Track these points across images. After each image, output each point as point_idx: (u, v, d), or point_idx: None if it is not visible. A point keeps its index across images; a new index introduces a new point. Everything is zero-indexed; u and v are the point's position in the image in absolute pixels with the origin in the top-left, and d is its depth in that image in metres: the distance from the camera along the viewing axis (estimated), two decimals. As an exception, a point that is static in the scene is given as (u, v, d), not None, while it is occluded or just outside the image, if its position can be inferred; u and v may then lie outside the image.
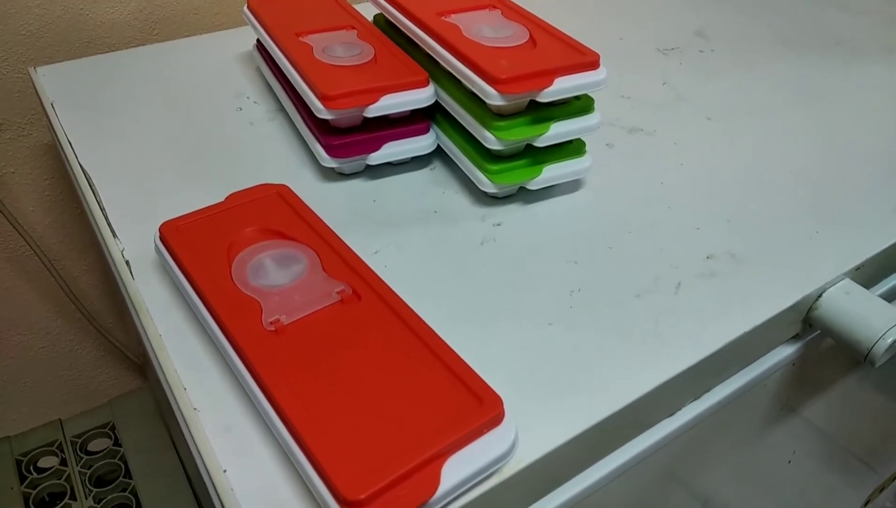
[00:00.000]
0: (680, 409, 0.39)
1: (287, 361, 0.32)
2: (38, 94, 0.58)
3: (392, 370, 0.32)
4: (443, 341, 0.33)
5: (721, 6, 0.76)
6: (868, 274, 0.44)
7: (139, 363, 0.88)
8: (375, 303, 0.35)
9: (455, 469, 0.28)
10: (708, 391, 0.40)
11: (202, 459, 0.32)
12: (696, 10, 0.75)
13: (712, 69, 0.64)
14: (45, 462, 0.76)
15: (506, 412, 0.30)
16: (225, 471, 0.31)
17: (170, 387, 0.35)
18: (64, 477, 0.74)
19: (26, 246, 0.74)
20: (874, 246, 0.44)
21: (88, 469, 0.75)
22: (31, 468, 0.75)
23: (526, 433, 0.32)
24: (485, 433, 0.29)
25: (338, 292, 0.35)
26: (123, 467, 0.75)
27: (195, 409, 0.33)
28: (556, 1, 0.76)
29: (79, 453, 0.77)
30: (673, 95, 0.60)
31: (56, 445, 0.78)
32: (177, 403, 0.34)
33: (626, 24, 0.71)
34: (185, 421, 0.33)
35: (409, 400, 0.30)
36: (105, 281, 0.81)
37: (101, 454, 0.77)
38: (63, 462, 0.76)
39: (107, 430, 0.80)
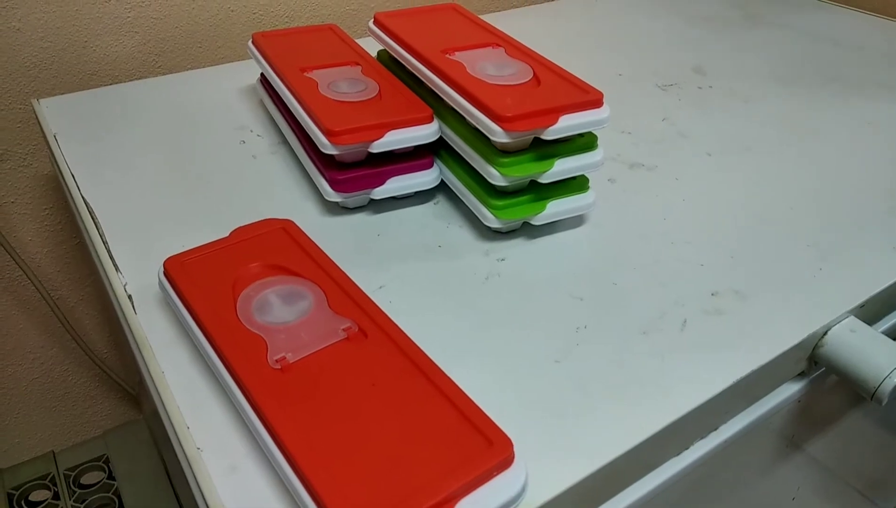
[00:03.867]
0: (687, 448, 0.38)
1: (293, 400, 0.32)
2: (40, 125, 0.58)
3: (399, 409, 0.31)
4: (450, 379, 0.33)
5: (717, 43, 0.77)
6: (871, 311, 0.44)
7: (134, 395, 0.87)
8: (382, 340, 0.35)
9: (465, 514, 0.28)
10: (715, 429, 0.39)
11: (205, 500, 0.31)
12: (693, 46, 0.76)
13: (711, 105, 0.64)
14: (37, 496, 0.75)
15: (515, 454, 0.30)
16: (229, 514, 0.30)
17: (172, 426, 0.34)
18: (56, 512, 0.73)
19: (23, 275, 0.74)
20: (877, 283, 0.44)
21: (81, 502, 0.74)
22: (23, 502, 0.74)
23: (535, 475, 0.32)
24: (495, 475, 0.29)
25: (344, 330, 0.35)
26: (117, 501, 0.74)
27: (198, 449, 0.33)
28: (555, 37, 0.77)
29: (72, 486, 0.76)
30: (673, 131, 0.60)
31: (49, 478, 0.76)
32: (179, 442, 0.34)
33: (625, 60, 0.72)
34: (188, 461, 0.33)
35: (417, 441, 0.30)
36: (101, 312, 0.81)
37: (95, 487, 0.76)
38: (56, 496, 0.75)
39: (101, 463, 0.79)
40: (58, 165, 0.54)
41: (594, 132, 0.47)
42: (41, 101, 0.61)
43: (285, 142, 0.57)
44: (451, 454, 0.29)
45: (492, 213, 0.45)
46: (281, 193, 0.51)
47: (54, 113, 0.59)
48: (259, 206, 0.49)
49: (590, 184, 0.48)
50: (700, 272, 0.45)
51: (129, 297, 0.41)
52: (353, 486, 0.28)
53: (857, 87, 0.68)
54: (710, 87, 0.67)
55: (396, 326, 0.36)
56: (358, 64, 0.54)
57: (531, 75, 0.47)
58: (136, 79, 0.71)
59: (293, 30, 0.59)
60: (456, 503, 0.28)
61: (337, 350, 0.34)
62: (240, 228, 0.42)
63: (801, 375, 0.43)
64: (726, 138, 0.59)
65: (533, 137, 0.44)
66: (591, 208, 0.48)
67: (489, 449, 0.29)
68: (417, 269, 0.44)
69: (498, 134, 0.42)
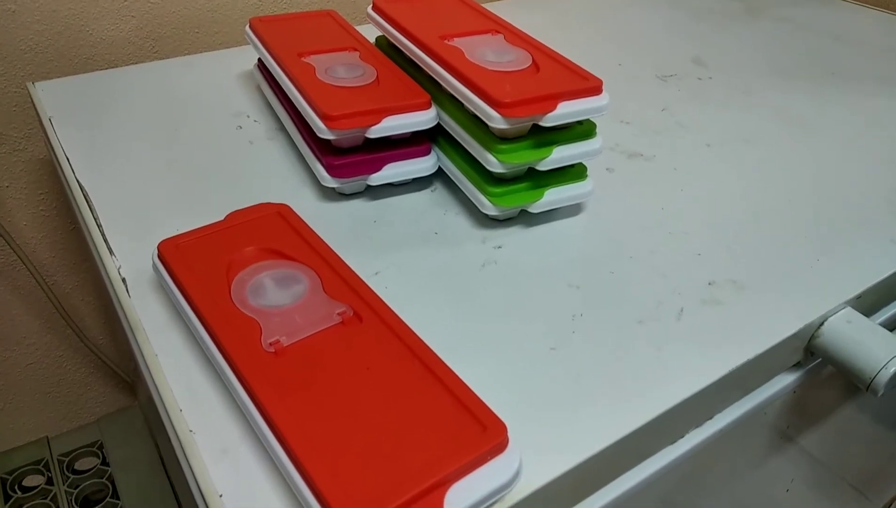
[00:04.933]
0: (682, 437, 0.38)
1: (286, 383, 0.32)
2: (36, 109, 0.58)
3: (394, 393, 0.31)
4: (445, 364, 0.33)
5: (718, 34, 0.77)
6: (868, 303, 0.44)
7: (129, 381, 0.86)
8: (377, 325, 0.35)
9: (458, 498, 0.28)
10: (709, 418, 0.39)
11: (197, 482, 0.31)
12: (693, 37, 0.76)
13: (711, 96, 0.64)
14: (30, 481, 0.75)
15: (509, 440, 0.30)
16: (221, 496, 0.30)
17: (165, 409, 0.34)
18: (50, 497, 0.73)
19: (18, 261, 0.73)
20: (874, 275, 0.44)
21: (75, 488, 0.74)
22: (17, 487, 0.74)
23: (529, 461, 0.32)
24: (488, 460, 0.29)
25: (339, 314, 0.35)
26: (111, 487, 0.74)
27: (191, 431, 0.33)
28: (555, 26, 0.77)
29: (66, 472, 0.76)
30: (672, 121, 0.60)
31: (42, 463, 0.76)
32: (172, 425, 0.33)
33: (624, 51, 0.72)
34: (181, 444, 0.32)
35: (410, 425, 0.30)
36: (97, 298, 0.81)
37: (89, 473, 0.76)
38: (49, 482, 0.74)
39: (94, 449, 0.78)
40: (53, 149, 0.54)
41: (593, 120, 0.46)
42: (37, 84, 0.60)
43: (282, 128, 0.56)
44: (444, 438, 0.29)
45: (489, 200, 0.45)
46: (277, 178, 0.51)
47: (50, 96, 0.59)
48: (255, 191, 0.49)
49: (588, 173, 0.48)
50: (697, 262, 0.44)
51: (123, 280, 0.41)
52: (345, 469, 0.28)
53: (857, 80, 0.68)
54: (710, 78, 0.67)
55: (391, 310, 0.35)
56: (356, 49, 0.53)
57: (530, 62, 0.47)
58: (133, 63, 0.70)
59: (291, 15, 0.59)
60: (449, 487, 0.28)
61: (331, 334, 0.34)
62: (235, 211, 0.42)
63: (797, 365, 0.43)
64: (725, 130, 0.59)
65: (531, 123, 0.44)
66: (588, 196, 0.48)
67: (483, 434, 0.29)
68: (413, 256, 0.44)
69: (496, 120, 0.42)
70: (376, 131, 0.45)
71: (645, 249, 0.45)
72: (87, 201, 0.47)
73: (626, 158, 0.55)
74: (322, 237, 0.40)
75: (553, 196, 0.46)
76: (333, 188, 0.49)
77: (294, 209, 0.42)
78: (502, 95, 0.42)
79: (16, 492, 0.73)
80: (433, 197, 0.50)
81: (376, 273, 0.43)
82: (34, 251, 0.74)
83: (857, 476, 0.68)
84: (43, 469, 0.76)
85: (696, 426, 0.39)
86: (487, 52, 0.48)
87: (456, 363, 0.33)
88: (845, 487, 0.68)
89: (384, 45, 0.57)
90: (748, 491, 0.51)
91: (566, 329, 0.39)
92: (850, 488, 0.69)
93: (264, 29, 0.56)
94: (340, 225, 0.46)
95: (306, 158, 0.50)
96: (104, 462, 0.76)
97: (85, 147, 0.53)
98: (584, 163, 0.48)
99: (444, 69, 0.46)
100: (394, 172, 0.48)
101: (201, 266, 0.37)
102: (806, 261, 0.45)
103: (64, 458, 0.77)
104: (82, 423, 0.85)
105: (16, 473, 0.75)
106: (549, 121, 0.43)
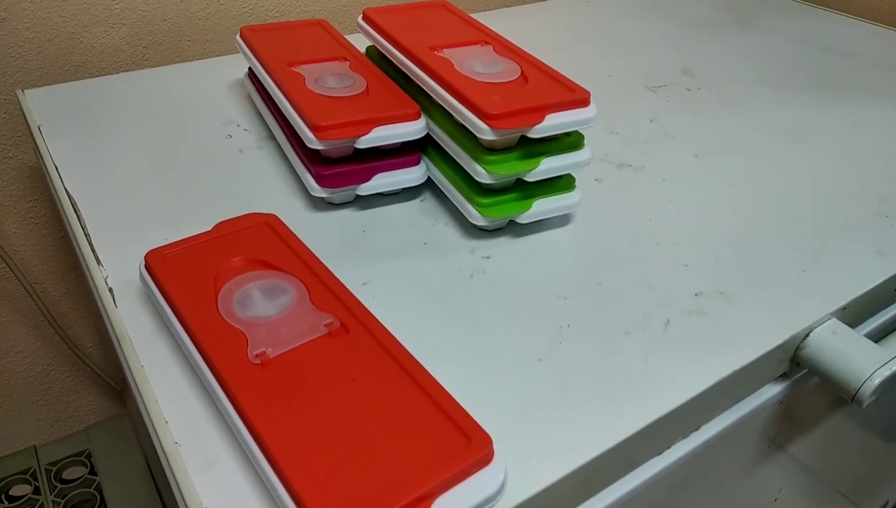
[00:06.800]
0: (668, 448, 0.38)
1: (272, 395, 0.32)
2: (25, 116, 0.58)
3: (379, 406, 0.31)
4: (431, 376, 0.33)
5: (707, 45, 0.77)
6: (854, 314, 0.44)
7: (118, 390, 0.86)
8: (363, 336, 0.35)
9: (443, 511, 0.28)
10: (696, 429, 0.39)
11: (182, 494, 0.31)
12: (682, 48, 0.76)
13: (699, 107, 0.64)
14: (17, 491, 0.75)
15: (495, 452, 0.30)
16: (205, 509, 0.30)
17: (151, 420, 0.34)
18: (37, 506, 0.72)
19: (6, 268, 0.73)
20: (860, 286, 0.44)
21: (62, 498, 0.73)
22: (3, 496, 0.73)
23: (514, 473, 0.32)
24: (474, 472, 0.29)
25: (325, 325, 0.35)
26: (99, 496, 0.73)
27: (176, 443, 0.33)
28: (546, 37, 0.77)
29: (53, 481, 0.75)
30: (661, 132, 0.60)
31: (30, 473, 0.76)
32: (157, 436, 0.33)
33: (614, 61, 0.72)
34: (166, 455, 0.32)
35: (396, 438, 0.30)
36: (86, 306, 0.80)
37: (76, 482, 0.75)
38: (36, 491, 0.74)
39: (82, 458, 0.78)
40: (42, 157, 0.53)
41: (581, 131, 0.47)
42: (26, 92, 0.60)
43: (272, 137, 0.56)
44: (429, 450, 0.29)
45: (478, 211, 0.45)
46: (267, 187, 0.51)
47: (39, 104, 0.59)
48: (245, 200, 0.49)
49: (576, 183, 0.48)
50: (684, 273, 0.45)
51: (110, 290, 0.41)
52: (330, 482, 0.28)
53: (845, 91, 0.68)
54: (699, 89, 0.68)
55: (378, 322, 0.35)
56: (346, 59, 0.54)
57: (519, 73, 0.47)
58: (124, 71, 0.70)
59: (282, 24, 0.59)
60: (433, 500, 0.28)
61: (318, 346, 0.34)
62: (223, 221, 0.42)
63: (784, 376, 0.43)
64: (714, 140, 0.59)
65: (519, 135, 0.44)
66: (576, 207, 0.48)
67: (468, 446, 0.29)
68: (402, 266, 0.44)
69: (484, 131, 0.42)
70: (366, 142, 0.45)
71: (632, 259, 0.46)
72: (75, 210, 0.47)
73: (614, 169, 0.55)
74: (311, 247, 0.40)
75: (541, 207, 0.46)
76: (323, 198, 0.49)
77: (283, 219, 0.42)
78: (490, 106, 0.42)
79: (2, 502, 0.72)
80: (422, 207, 0.50)
81: (365, 283, 0.43)
82: (23, 259, 0.74)
83: (847, 484, 0.68)
84: (30, 478, 0.75)
85: (683, 437, 0.39)
86: (476, 64, 0.48)
87: (443, 373, 0.33)
88: (835, 495, 0.68)
89: (374, 55, 0.57)
90: (737, 501, 0.51)
91: (553, 340, 0.39)
92: (839, 496, 0.69)
93: (255, 38, 0.56)
94: (329, 235, 0.46)
95: (295, 168, 0.50)
96: (92, 472, 0.76)
97: (74, 155, 0.53)
98: (572, 174, 0.48)
99: (434, 80, 0.47)
100: (383, 182, 0.48)
101: (188, 277, 0.37)
102: (792, 272, 0.45)
103: (51, 467, 0.76)
104: (70, 432, 0.84)
105: (2, 483, 0.74)
106: (536, 133, 0.43)
